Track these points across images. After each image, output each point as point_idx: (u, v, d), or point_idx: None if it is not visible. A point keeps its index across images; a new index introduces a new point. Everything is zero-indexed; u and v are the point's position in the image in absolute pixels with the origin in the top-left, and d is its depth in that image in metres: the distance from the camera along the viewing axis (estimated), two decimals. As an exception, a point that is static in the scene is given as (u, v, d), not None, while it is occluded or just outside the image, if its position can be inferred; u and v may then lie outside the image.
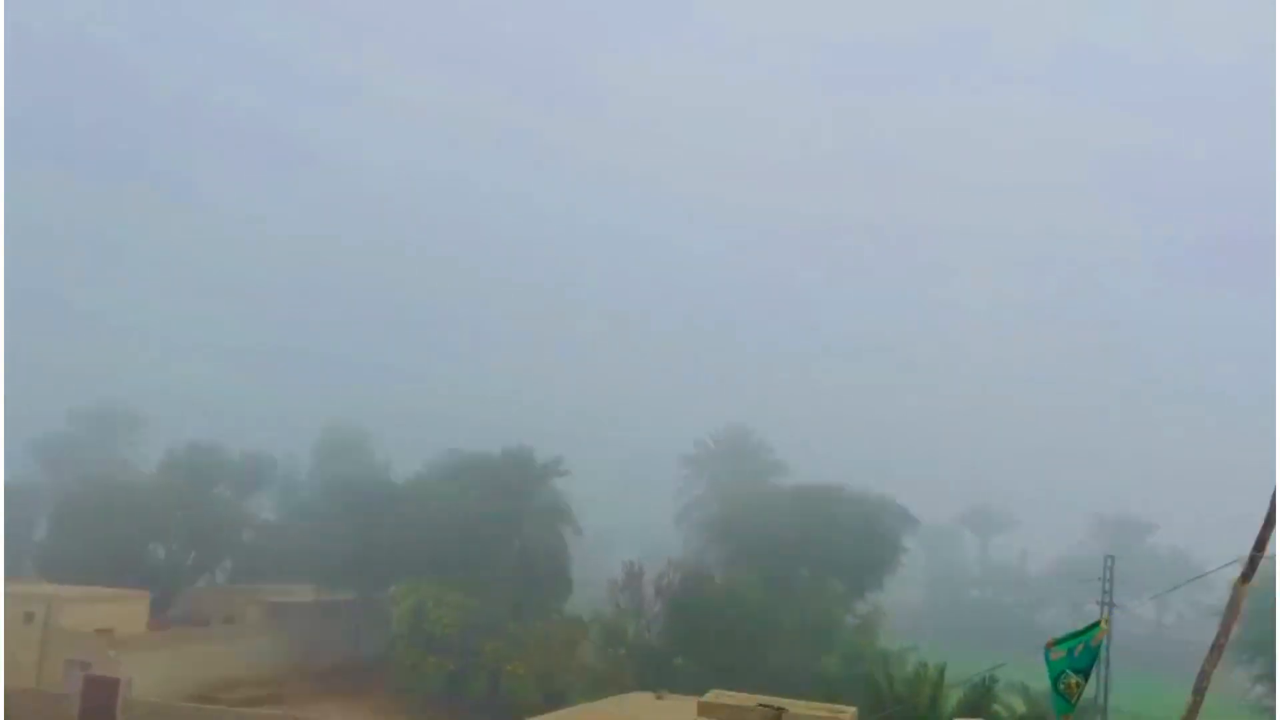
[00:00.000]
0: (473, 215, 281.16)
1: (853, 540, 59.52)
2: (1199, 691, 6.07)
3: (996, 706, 34.53)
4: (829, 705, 26.60)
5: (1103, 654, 45.60)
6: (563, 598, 59.84)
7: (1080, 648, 7.05)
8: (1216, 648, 6.00)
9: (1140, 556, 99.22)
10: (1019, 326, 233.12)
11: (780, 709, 22.25)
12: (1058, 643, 7.17)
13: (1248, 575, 6.06)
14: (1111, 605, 46.71)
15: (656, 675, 46.31)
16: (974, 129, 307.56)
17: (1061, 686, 7.09)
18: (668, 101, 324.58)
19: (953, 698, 35.07)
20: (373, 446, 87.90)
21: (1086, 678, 7.07)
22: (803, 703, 25.99)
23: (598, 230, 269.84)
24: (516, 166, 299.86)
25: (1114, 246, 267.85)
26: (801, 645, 52.05)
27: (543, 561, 58.80)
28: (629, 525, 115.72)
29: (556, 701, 45.81)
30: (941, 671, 34.82)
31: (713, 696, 24.95)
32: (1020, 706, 37.14)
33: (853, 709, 26.66)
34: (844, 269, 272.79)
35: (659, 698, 34.45)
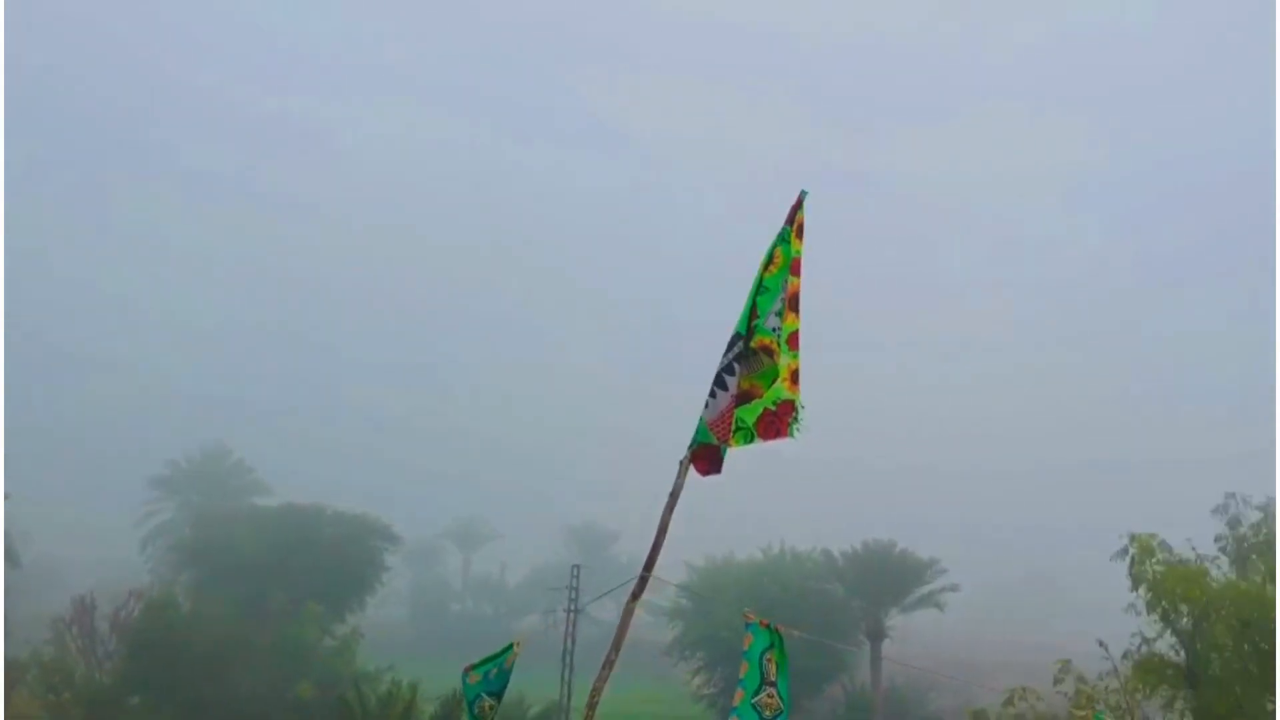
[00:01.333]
0: None
1: (333, 561, 58.44)
2: (591, 706, 6.58)
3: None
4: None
5: (568, 659, 48.85)
6: (-7, 640, 52.50)
7: (495, 671, 7.42)
8: (608, 664, 6.52)
9: (605, 564, 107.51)
10: (495, 340, 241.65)
11: None
12: (474, 667, 7.50)
13: (637, 594, 6.69)
14: (576, 611, 49.94)
15: (109, 718, 42.21)
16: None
17: (476, 710, 7.43)
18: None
19: (426, 713, 35.55)
20: None
21: (499, 699, 7.44)
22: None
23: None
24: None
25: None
26: (276, 672, 50.04)
27: (-31, 600, 51.22)
28: (84, 555, 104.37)
29: (-20, 759, 40.04)
30: (414, 689, 35.21)
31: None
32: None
33: None
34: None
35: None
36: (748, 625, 6.71)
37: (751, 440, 6.78)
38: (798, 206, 6.88)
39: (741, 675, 6.59)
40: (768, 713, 6.47)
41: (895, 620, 66.02)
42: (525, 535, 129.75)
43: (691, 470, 7.09)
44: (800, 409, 6.78)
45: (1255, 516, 28.61)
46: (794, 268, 6.81)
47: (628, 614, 6.82)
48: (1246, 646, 25.22)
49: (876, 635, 63.74)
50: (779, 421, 6.75)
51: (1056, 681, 28.29)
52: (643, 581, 6.67)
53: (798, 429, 6.78)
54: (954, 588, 66.51)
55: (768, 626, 6.67)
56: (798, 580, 66.47)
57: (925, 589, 66.31)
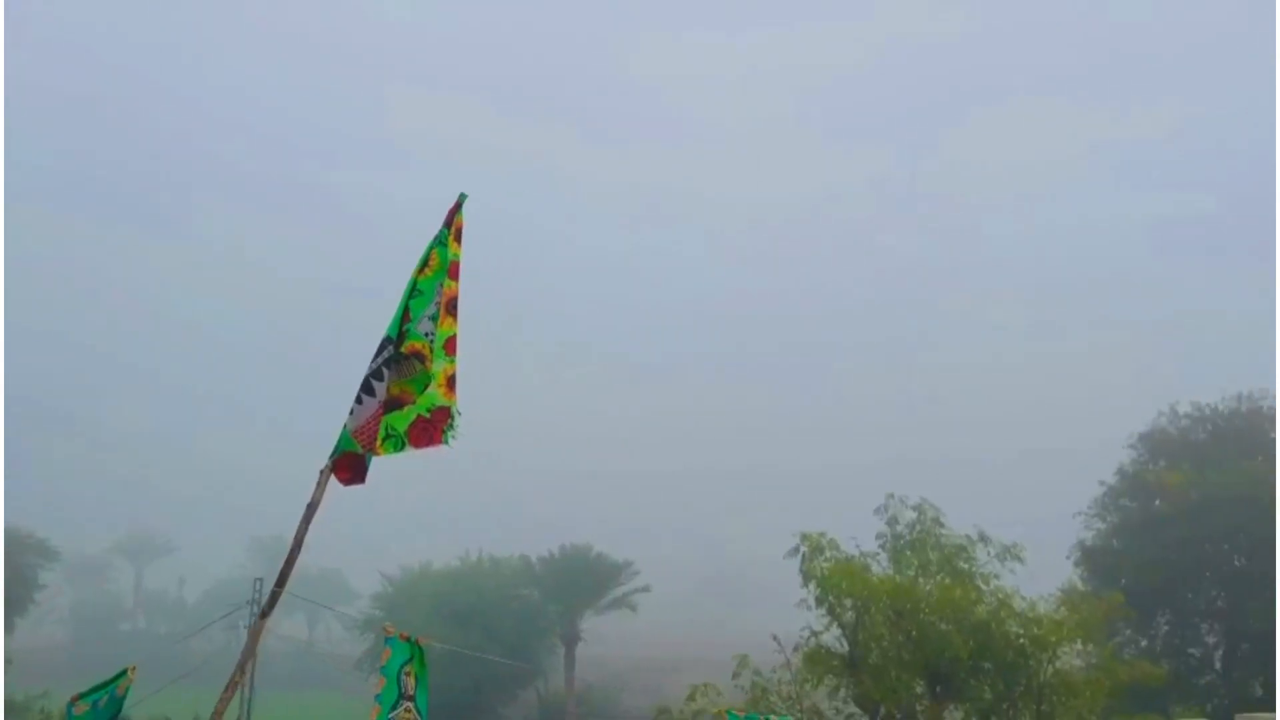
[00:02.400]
0: None
1: (-23, 580, 52.50)
2: (215, 728, 6.19)
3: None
4: None
5: (248, 677, 46.37)
6: None
7: (105, 699, 6.89)
8: (232, 684, 6.17)
9: (293, 576, 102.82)
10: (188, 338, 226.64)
11: None
12: (82, 696, 6.92)
13: (266, 611, 6.35)
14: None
15: None
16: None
17: (80, 738, 6.84)
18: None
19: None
20: None
21: None
22: None
23: None
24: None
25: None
26: (-106, 711, 44.33)
27: None
28: None
29: None
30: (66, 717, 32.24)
31: None
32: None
33: None
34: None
35: None
36: (386, 640, 6.52)
37: (402, 448, 6.57)
38: (456, 209, 6.71)
39: (378, 690, 6.40)
40: None
41: (590, 623, 67.27)
42: (206, 547, 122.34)
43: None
44: (456, 415, 6.64)
45: (910, 516, 30.90)
46: (452, 271, 6.65)
47: (256, 631, 6.47)
48: (900, 636, 27.36)
49: (571, 639, 64.69)
50: (433, 428, 6.57)
51: (735, 676, 29.49)
52: (273, 598, 6.33)
53: (453, 436, 6.64)
54: (645, 588, 68.55)
55: (408, 640, 6.50)
56: (494, 587, 66.42)
57: (619, 591, 67.97)
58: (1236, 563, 42.66)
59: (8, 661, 51.03)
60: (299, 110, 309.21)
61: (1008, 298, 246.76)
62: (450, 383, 6.63)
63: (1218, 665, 42.44)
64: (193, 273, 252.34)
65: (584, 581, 65.90)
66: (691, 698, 29.07)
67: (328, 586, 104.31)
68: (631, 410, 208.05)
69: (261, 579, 52.12)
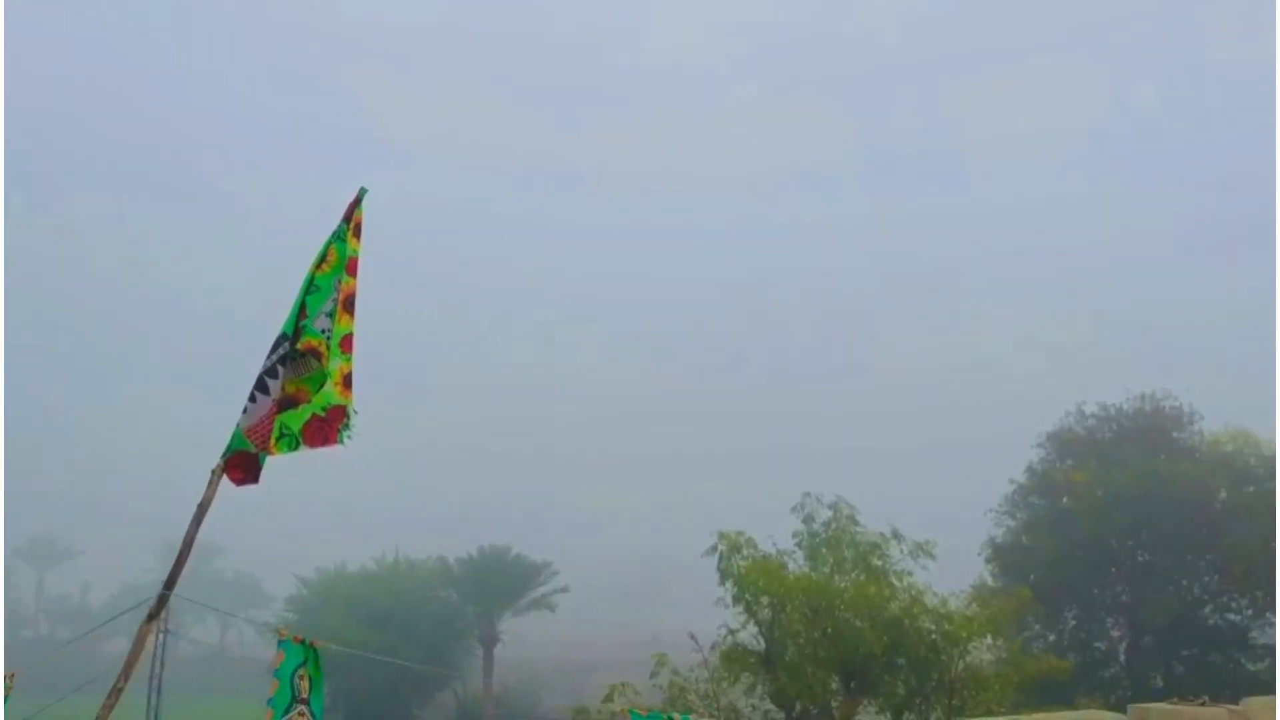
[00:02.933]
0: None
1: None
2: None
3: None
4: None
5: (155, 683, 45.30)
6: None
7: None
8: (116, 690, 6.00)
9: (205, 579, 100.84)
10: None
11: None
12: None
13: (154, 614, 6.20)
14: (166, 631, 46.44)
15: None
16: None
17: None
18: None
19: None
20: None
21: None
22: None
23: None
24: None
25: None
26: None
27: None
28: None
29: None
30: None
31: None
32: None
33: None
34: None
35: None
36: (280, 642, 6.41)
37: (296, 448, 6.44)
38: (355, 204, 6.59)
39: (271, 694, 6.29)
40: None
41: (508, 624, 66.97)
42: (112, 551, 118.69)
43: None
44: (353, 414, 6.54)
45: (826, 514, 31.19)
46: (350, 268, 6.53)
47: (141, 636, 6.29)
48: (816, 633, 27.64)
49: (489, 640, 64.37)
50: (328, 428, 6.46)
51: (653, 675, 29.48)
52: (161, 600, 6.17)
53: (349, 435, 6.54)
54: (565, 589, 68.49)
55: (302, 642, 6.39)
56: (411, 589, 65.87)
57: (538, 591, 67.81)
58: (1140, 558, 43.93)
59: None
60: (289, 108, 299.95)
61: (940, 288, 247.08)
62: (347, 381, 6.52)
63: (1122, 658, 43.67)
64: (115, 266, 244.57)
65: (502, 582, 65.67)
66: (609, 698, 28.99)
67: (242, 590, 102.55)
68: (558, 395, 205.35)
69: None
